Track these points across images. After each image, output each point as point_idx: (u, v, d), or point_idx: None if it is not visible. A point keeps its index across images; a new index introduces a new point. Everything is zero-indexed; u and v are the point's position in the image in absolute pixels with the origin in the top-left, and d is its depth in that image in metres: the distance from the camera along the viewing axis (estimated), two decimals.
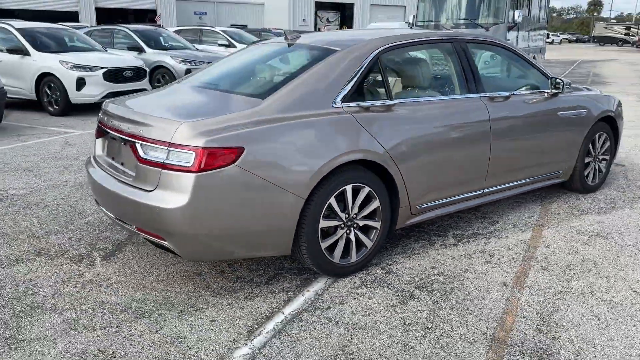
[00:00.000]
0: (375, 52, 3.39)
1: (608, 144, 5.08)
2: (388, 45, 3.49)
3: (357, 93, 3.28)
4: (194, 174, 2.66)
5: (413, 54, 4.04)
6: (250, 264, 3.60)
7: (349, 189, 3.07)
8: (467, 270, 3.53)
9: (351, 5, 45.24)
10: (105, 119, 3.30)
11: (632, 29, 58.09)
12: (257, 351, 2.64)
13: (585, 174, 4.99)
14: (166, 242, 2.86)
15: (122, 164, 3.16)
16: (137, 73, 10.17)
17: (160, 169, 2.76)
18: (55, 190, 5.19)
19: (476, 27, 12.78)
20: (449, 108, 3.65)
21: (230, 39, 15.68)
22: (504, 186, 4.14)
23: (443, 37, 3.92)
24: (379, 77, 3.47)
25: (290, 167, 2.83)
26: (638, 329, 2.89)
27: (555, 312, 3.03)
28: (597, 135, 4.91)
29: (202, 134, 2.68)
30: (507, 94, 4.07)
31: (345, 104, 3.17)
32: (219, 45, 15.39)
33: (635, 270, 3.59)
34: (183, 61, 11.67)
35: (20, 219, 4.43)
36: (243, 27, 27.03)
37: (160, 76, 11.81)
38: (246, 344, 2.70)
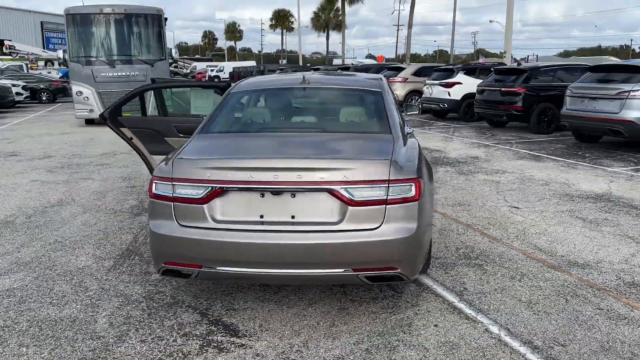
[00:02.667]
0: None
1: None
2: None
3: None
4: (417, 202, 2.98)
5: None
6: None
7: None
8: None
9: None
10: (249, 175, 2.95)
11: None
12: None
13: None
14: (398, 270, 2.99)
15: (292, 217, 2.98)
16: None
17: (384, 205, 2.93)
18: None
19: (141, 63, 13.95)
20: None
21: None
22: None
23: None
24: None
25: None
26: None
27: None
28: None
29: (415, 170, 3.06)
30: None
31: None
32: None
33: None
34: None
35: None
36: None
37: None
38: None
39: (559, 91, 11.80)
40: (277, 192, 2.97)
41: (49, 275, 3.98)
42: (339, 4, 45.01)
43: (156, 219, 3.15)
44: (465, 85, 14.24)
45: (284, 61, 57.01)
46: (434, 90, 14.78)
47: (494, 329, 3.12)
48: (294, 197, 2.97)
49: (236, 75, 41.65)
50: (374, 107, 3.89)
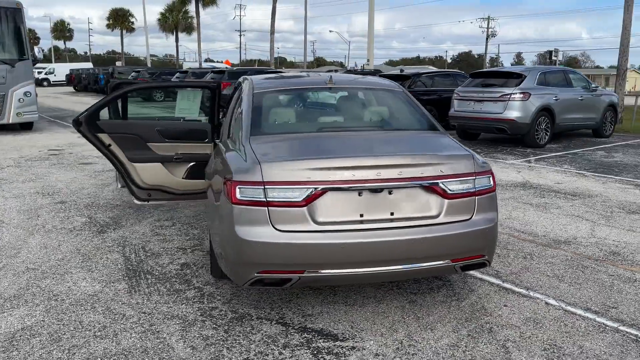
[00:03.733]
0: None
1: None
2: None
3: None
4: (494, 192, 3.24)
5: None
6: None
7: None
8: None
9: None
10: (352, 174, 2.92)
11: None
12: None
13: None
14: (485, 257, 3.18)
15: (391, 214, 3.00)
16: None
17: (474, 197, 3.11)
18: None
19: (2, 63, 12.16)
20: None
21: None
22: None
23: None
24: None
25: None
26: None
27: None
28: None
29: (486, 162, 3.29)
30: None
31: None
32: None
33: None
34: None
35: None
36: None
37: None
38: None
39: (437, 95, 13.13)
40: (377, 190, 2.97)
41: (61, 306, 3.41)
42: (191, 6, 43.64)
43: (245, 225, 2.92)
44: None
45: (120, 63, 53.25)
46: None
47: (552, 301, 3.50)
48: (391, 193, 3.00)
49: (76, 77, 37.72)
50: (407, 105, 4.04)
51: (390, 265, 2.99)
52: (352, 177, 2.92)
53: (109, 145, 4.49)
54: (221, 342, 2.96)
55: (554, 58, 37.68)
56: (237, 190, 2.94)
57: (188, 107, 4.99)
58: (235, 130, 3.72)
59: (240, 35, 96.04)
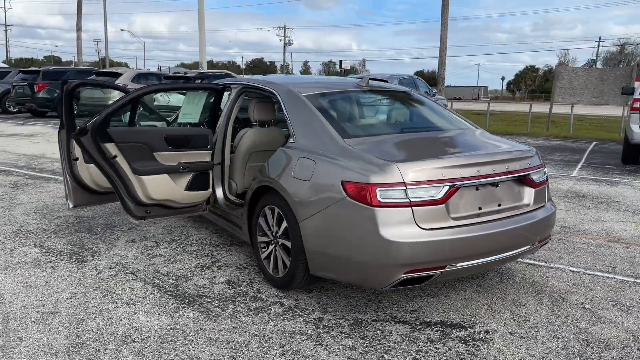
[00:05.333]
0: None
1: None
2: None
3: None
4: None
5: None
6: None
7: None
8: None
9: None
10: (477, 170, 3.14)
11: None
12: None
13: None
14: (550, 237, 3.66)
15: (499, 205, 3.28)
16: None
17: (545, 186, 3.60)
18: None
19: None
20: None
21: None
22: None
23: None
24: None
25: None
26: None
27: None
28: None
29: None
30: None
31: None
32: None
33: None
34: None
35: None
36: None
37: None
38: None
39: None
40: (492, 184, 3.24)
41: (155, 348, 2.89)
42: None
43: (391, 227, 2.91)
44: None
45: None
46: None
47: (574, 269, 4.20)
48: (497, 186, 3.30)
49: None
50: (437, 104, 4.34)
51: (503, 252, 3.28)
52: (476, 174, 3.15)
53: (114, 156, 3.82)
54: (372, 349, 2.90)
55: (343, 67, 42.29)
56: (378, 192, 2.92)
57: (192, 111, 4.47)
58: (300, 133, 3.58)
59: (6, 30, 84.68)
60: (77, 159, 4.57)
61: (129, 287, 3.68)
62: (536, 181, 3.50)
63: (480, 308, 3.45)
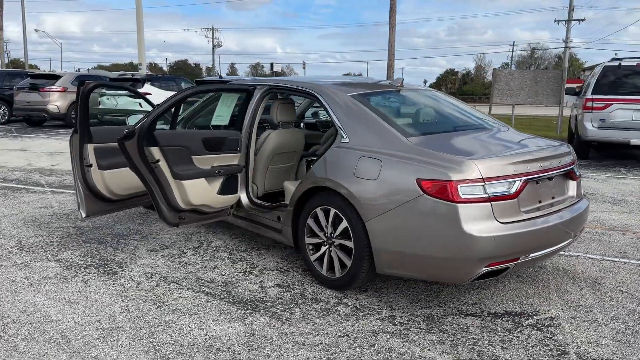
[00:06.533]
0: None
1: None
2: None
3: None
4: None
5: None
6: None
7: None
8: None
9: None
10: (540, 165, 3.32)
11: None
12: None
13: None
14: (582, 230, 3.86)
15: (552, 198, 3.47)
16: None
17: (580, 179, 3.85)
18: None
19: None
20: None
21: None
22: None
23: None
24: None
25: None
26: None
27: None
28: None
29: None
30: None
31: None
32: None
33: None
34: None
35: None
36: None
37: None
38: None
39: None
40: (549, 178, 3.43)
41: (249, 356, 2.79)
42: None
43: (473, 222, 2.99)
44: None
45: None
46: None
47: (593, 256, 4.50)
48: (552, 180, 3.49)
49: None
50: (464, 105, 4.49)
51: (559, 243, 3.46)
52: (539, 168, 3.31)
53: (157, 160, 3.63)
54: (459, 343, 2.97)
55: (274, 69, 42.47)
56: (459, 189, 3.00)
57: (224, 114, 4.31)
58: (353, 133, 3.59)
59: None
60: (90, 165, 4.30)
61: (181, 297, 3.51)
62: (577, 175, 3.74)
63: (531, 297, 3.63)
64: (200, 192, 3.91)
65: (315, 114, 7.35)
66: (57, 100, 14.85)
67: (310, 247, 3.82)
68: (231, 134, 4.20)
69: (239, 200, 4.32)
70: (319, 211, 3.70)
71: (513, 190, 3.15)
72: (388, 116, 3.68)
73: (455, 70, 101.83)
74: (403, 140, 3.40)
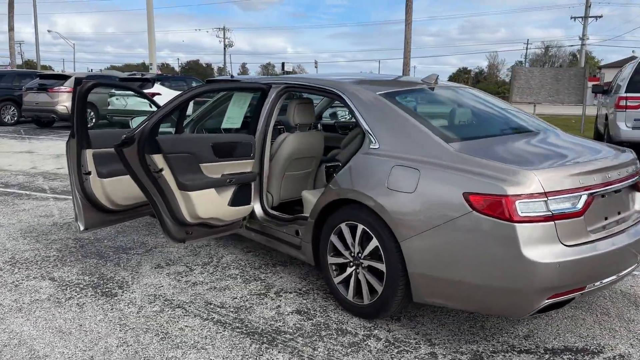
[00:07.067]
0: None
1: None
2: None
3: None
4: None
5: None
6: None
7: None
8: None
9: None
10: (606, 176, 2.82)
11: None
12: None
13: None
14: None
15: (618, 213, 2.95)
16: None
17: None
18: None
19: None
20: None
21: None
22: None
23: None
24: None
25: None
26: None
27: None
28: None
29: None
30: None
31: None
32: None
33: None
34: None
35: None
36: None
37: None
38: None
39: None
40: (615, 191, 2.90)
41: None
42: None
43: (534, 246, 2.50)
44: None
45: None
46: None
47: None
48: (617, 193, 2.97)
49: None
50: (504, 104, 3.99)
51: (627, 267, 2.94)
52: (605, 180, 2.81)
53: (161, 170, 3.19)
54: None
55: (286, 69, 42.45)
56: (517, 205, 2.51)
57: (235, 115, 3.87)
58: (385, 137, 3.12)
59: None
60: (89, 173, 3.87)
61: (186, 326, 3.07)
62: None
63: (592, 327, 3.13)
64: (209, 204, 3.46)
65: (333, 115, 6.88)
66: (66, 101, 14.52)
67: (334, 267, 3.36)
68: (244, 138, 3.75)
69: (252, 212, 3.88)
70: (344, 227, 3.23)
71: (579, 206, 2.65)
72: (424, 118, 3.19)
73: (468, 68, 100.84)
74: (444, 146, 2.91)
